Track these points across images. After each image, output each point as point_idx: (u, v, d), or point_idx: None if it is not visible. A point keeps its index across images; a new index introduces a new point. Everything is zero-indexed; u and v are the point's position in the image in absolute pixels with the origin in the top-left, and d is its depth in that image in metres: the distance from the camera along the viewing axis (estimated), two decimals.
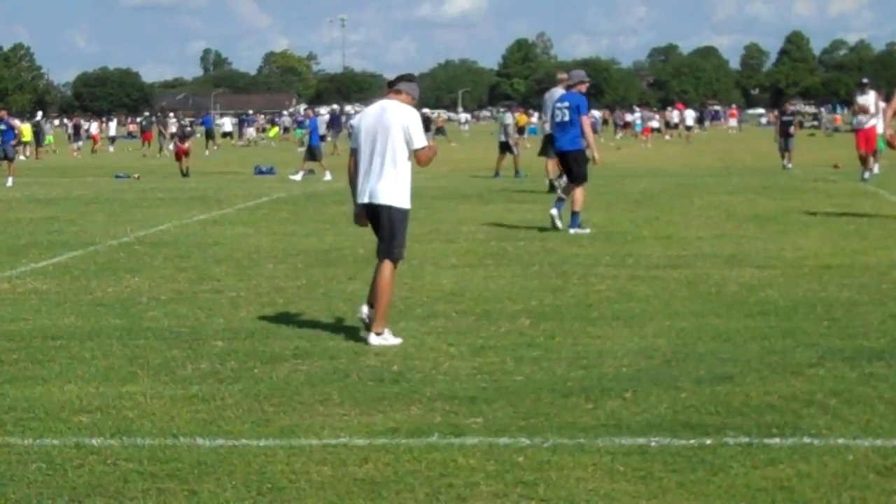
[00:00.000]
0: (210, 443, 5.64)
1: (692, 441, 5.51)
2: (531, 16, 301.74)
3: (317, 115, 58.61)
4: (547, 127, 21.37)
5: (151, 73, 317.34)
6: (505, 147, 28.81)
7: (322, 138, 50.19)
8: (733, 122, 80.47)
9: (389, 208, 8.07)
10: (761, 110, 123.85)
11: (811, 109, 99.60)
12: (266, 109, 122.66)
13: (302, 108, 75.06)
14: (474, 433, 5.73)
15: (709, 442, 5.49)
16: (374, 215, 8.17)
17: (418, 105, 8.43)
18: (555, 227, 14.78)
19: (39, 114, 66.66)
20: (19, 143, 35.63)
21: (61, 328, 8.71)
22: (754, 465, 5.16)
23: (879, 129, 24.96)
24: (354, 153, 8.27)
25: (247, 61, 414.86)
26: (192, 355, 7.68)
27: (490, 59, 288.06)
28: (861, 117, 24.82)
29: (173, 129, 45.81)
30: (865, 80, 26.17)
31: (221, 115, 77.68)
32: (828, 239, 13.59)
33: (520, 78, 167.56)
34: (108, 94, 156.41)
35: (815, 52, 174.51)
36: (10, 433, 5.89)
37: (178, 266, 12.12)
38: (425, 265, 11.59)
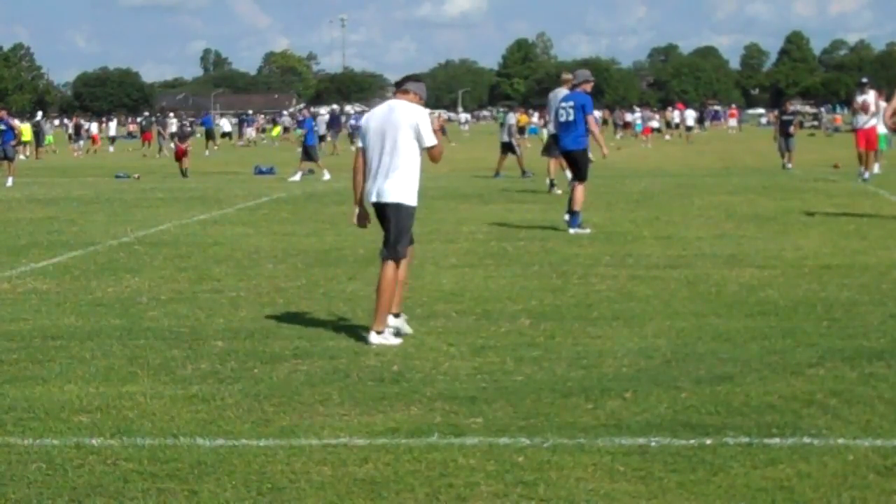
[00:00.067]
0: (210, 443, 5.64)
1: (692, 441, 5.51)
2: (531, 16, 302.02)
3: (314, 115, 58.66)
4: (551, 127, 21.37)
5: (151, 73, 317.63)
6: (507, 147, 28.78)
7: (322, 138, 50.34)
8: (733, 122, 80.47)
9: (398, 206, 8.09)
10: (761, 110, 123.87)
11: (811, 109, 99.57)
12: (266, 109, 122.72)
13: (300, 108, 75.07)
14: (474, 433, 5.73)
15: (709, 442, 5.49)
16: (382, 214, 8.19)
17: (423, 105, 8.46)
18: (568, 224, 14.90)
19: (39, 114, 66.64)
20: (19, 142, 35.63)
21: (61, 328, 8.71)
22: (754, 465, 5.16)
23: (881, 130, 25.01)
24: (362, 153, 8.28)
25: (247, 61, 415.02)
26: (192, 355, 7.68)
27: (490, 59, 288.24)
28: (861, 116, 24.83)
29: (173, 129, 45.81)
30: (865, 80, 26.18)
31: (221, 116, 77.68)
32: (828, 239, 13.59)
33: (520, 78, 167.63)
34: (108, 94, 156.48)
35: (815, 52, 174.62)
36: (10, 433, 5.89)
37: (178, 266, 12.12)
38: (425, 265, 11.59)
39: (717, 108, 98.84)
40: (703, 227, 15.16)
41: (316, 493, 4.92)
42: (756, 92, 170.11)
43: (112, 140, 62.47)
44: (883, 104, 24.52)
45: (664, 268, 11.42)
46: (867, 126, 24.58)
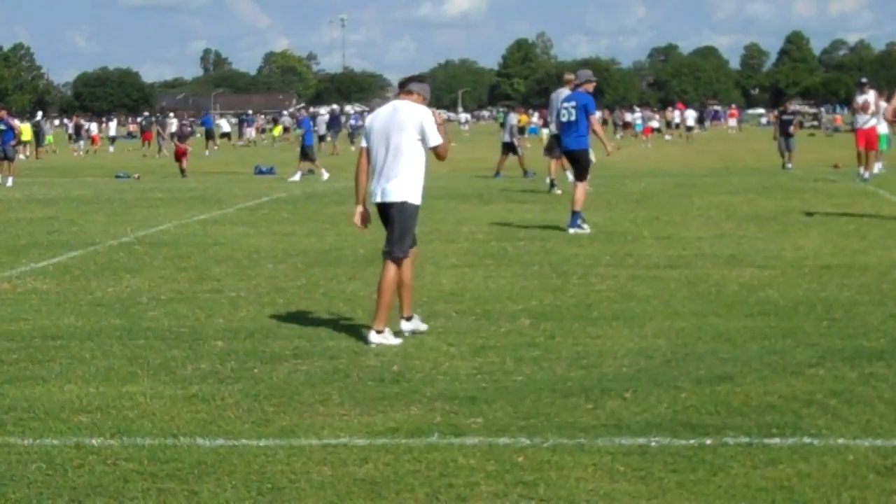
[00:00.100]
0: (210, 443, 5.64)
1: (692, 441, 5.51)
2: (531, 16, 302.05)
3: (314, 115, 58.64)
4: (552, 127, 21.38)
5: (151, 73, 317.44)
6: (509, 147, 28.78)
7: (322, 138, 50.38)
8: (733, 122, 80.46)
9: (403, 204, 8.10)
10: (761, 110, 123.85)
11: (809, 109, 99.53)
12: (266, 109, 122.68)
13: (299, 108, 75.12)
14: (474, 433, 5.73)
15: (709, 442, 5.49)
16: (385, 214, 8.20)
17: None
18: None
19: (39, 114, 66.63)
20: (19, 142, 35.62)
21: (61, 328, 8.71)
22: (754, 465, 5.16)
23: (883, 129, 25.02)
24: (367, 153, 8.29)
25: (247, 61, 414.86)
26: (192, 355, 7.68)
27: (490, 59, 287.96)
28: (861, 116, 24.83)
29: (173, 128, 45.80)
30: (864, 80, 26.18)
31: (221, 116, 77.66)
32: (828, 239, 13.59)
33: (520, 78, 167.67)
34: (108, 94, 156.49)
35: (815, 52, 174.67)
36: (10, 433, 5.89)
37: (178, 266, 12.12)
38: (425, 265, 11.58)
39: (717, 108, 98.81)
40: (703, 227, 15.16)
41: (316, 493, 4.92)
42: (756, 92, 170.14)
43: (112, 140, 62.46)
44: (883, 104, 24.54)
45: (664, 268, 11.42)
46: (867, 126, 24.58)
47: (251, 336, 8.28)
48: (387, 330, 8.00)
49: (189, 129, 40.22)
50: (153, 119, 59.41)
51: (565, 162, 19.48)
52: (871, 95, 25.00)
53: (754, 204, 18.60)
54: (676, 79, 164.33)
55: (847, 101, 76.38)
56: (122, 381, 7.00)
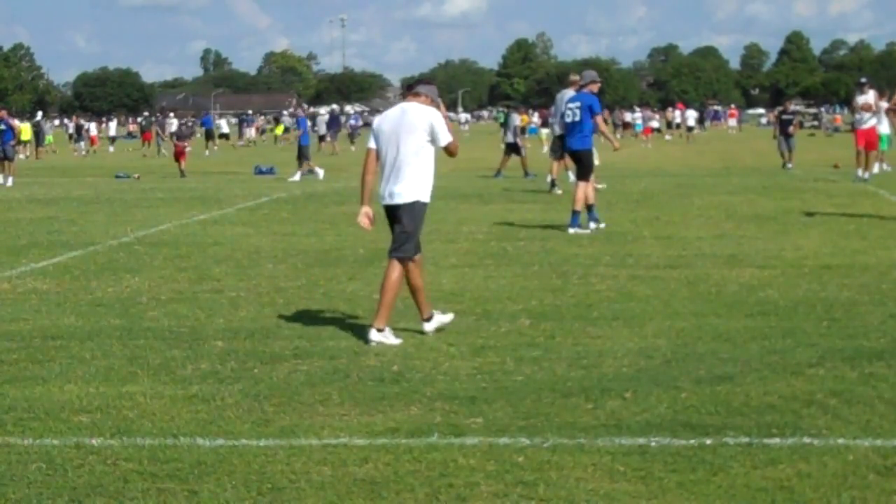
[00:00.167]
0: (210, 443, 5.64)
1: (692, 441, 5.51)
2: (531, 16, 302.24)
3: (313, 115, 58.58)
4: (556, 128, 21.39)
5: (151, 73, 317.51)
6: (512, 148, 28.84)
7: (322, 138, 50.37)
8: (733, 122, 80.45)
9: (413, 204, 8.14)
10: (761, 110, 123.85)
11: (811, 110, 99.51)
12: (266, 109, 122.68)
13: (300, 107, 75.08)
14: (474, 433, 5.73)
15: (709, 442, 5.49)
16: (393, 216, 8.23)
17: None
18: (595, 222, 15.09)
19: (39, 114, 66.63)
20: (18, 142, 35.62)
21: (61, 328, 8.71)
22: (754, 465, 5.16)
23: (884, 130, 25.01)
24: (376, 154, 8.31)
25: (247, 61, 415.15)
26: (192, 355, 7.68)
27: (490, 59, 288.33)
28: (861, 115, 24.82)
29: (173, 128, 45.82)
30: (864, 80, 26.18)
31: (220, 116, 77.61)
32: (828, 239, 13.59)
33: (520, 78, 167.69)
34: (108, 94, 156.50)
35: (815, 52, 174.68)
36: (10, 433, 5.89)
37: (178, 266, 12.12)
38: (425, 265, 11.50)
39: (718, 108, 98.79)
40: (703, 227, 15.17)
41: (316, 493, 4.92)
42: (756, 92, 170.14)
43: (112, 140, 62.46)
44: (883, 104, 24.56)
45: (664, 268, 11.42)
46: (867, 126, 24.58)
47: (251, 336, 8.28)
48: (387, 329, 8.01)
49: (189, 128, 40.25)
50: (153, 119, 59.35)
51: (568, 162, 19.56)
52: (870, 96, 25.00)
53: (754, 204, 18.60)
54: (676, 79, 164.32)
55: (847, 101, 76.37)
56: (122, 381, 7.00)
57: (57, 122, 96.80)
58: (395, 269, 8.13)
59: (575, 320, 8.72)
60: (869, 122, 24.61)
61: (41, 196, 23.48)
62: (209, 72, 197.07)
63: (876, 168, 25.75)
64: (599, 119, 15.39)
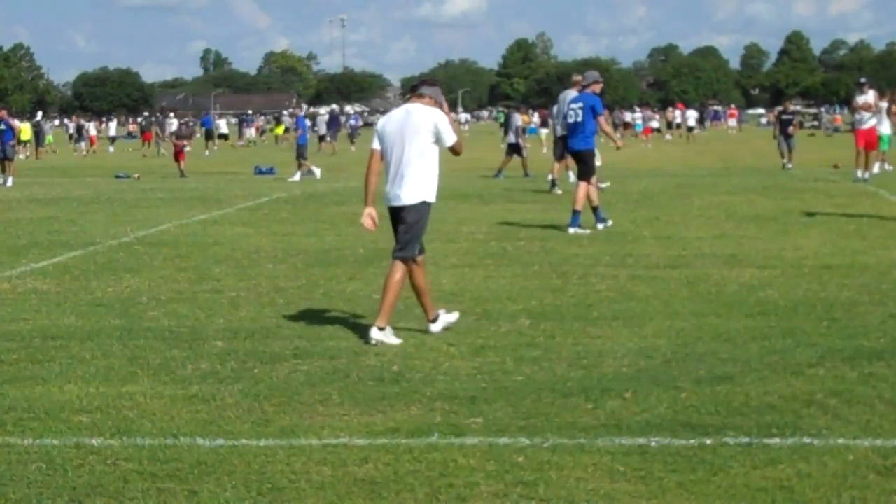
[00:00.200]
0: (210, 443, 5.64)
1: (692, 441, 5.51)
2: (531, 16, 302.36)
3: (313, 115, 58.55)
4: (559, 128, 21.38)
5: (151, 73, 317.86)
6: (514, 149, 28.90)
7: (322, 138, 50.36)
8: (733, 122, 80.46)
9: (419, 205, 8.17)
10: (761, 110, 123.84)
11: (811, 110, 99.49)
12: (266, 109, 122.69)
13: (302, 108, 75.05)
14: (474, 433, 5.73)
15: (709, 442, 5.49)
16: (397, 217, 8.25)
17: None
18: (603, 222, 15.16)
19: (39, 114, 66.65)
20: (18, 142, 35.61)
21: (61, 328, 8.71)
22: (754, 465, 5.16)
23: (885, 130, 25.00)
24: (382, 156, 8.33)
25: (247, 61, 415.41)
26: (192, 355, 7.68)
27: (490, 59, 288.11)
28: (861, 115, 24.82)
29: (173, 128, 45.86)
30: (863, 80, 26.19)
31: (220, 116, 77.59)
32: (828, 239, 13.59)
33: (520, 78, 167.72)
34: (108, 94, 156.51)
35: (815, 52, 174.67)
36: (10, 433, 5.89)
37: (178, 266, 12.12)
38: (425, 265, 11.57)
39: (718, 108, 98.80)
40: (703, 227, 15.17)
41: (316, 493, 4.92)
42: (756, 92, 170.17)
43: (112, 140, 62.46)
44: (884, 104, 24.57)
45: (664, 268, 11.42)
46: (867, 127, 24.58)
47: (251, 336, 8.28)
48: (389, 329, 8.01)
49: (189, 128, 40.25)
50: (153, 119, 59.37)
51: (570, 162, 19.59)
52: (870, 96, 25.01)
53: (754, 204, 18.60)
54: (676, 79, 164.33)
55: (847, 101, 76.32)
56: (122, 381, 7.00)
57: (57, 122, 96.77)
58: (399, 270, 8.15)
59: (575, 320, 8.72)
60: (869, 122, 24.61)
61: (41, 196, 23.48)
62: (209, 72, 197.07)
63: (876, 168, 25.75)
64: (602, 119, 15.43)
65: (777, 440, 5.52)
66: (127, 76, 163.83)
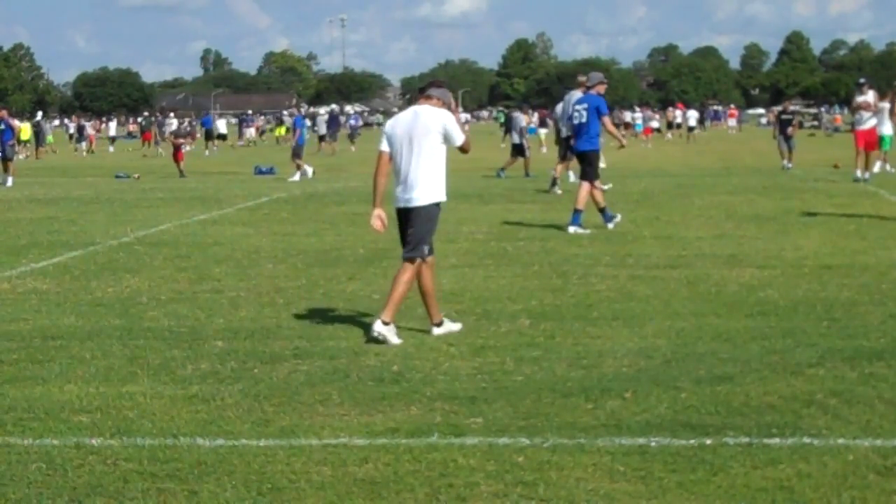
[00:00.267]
0: (210, 443, 5.64)
1: (692, 441, 5.51)
2: (531, 16, 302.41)
3: (313, 115, 58.48)
4: (564, 130, 21.37)
5: (151, 73, 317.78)
6: (518, 149, 28.98)
7: (322, 138, 50.33)
8: (732, 122, 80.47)
9: (429, 206, 8.23)
10: (761, 110, 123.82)
11: (811, 110, 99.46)
12: (266, 109, 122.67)
13: (301, 107, 75.04)
14: (474, 433, 5.73)
15: (709, 442, 5.49)
16: (406, 219, 8.29)
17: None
18: (611, 221, 15.21)
19: (39, 114, 66.64)
20: (18, 141, 35.60)
21: (61, 328, 8.71)
22: (754, 465, 5.16)
23: (887, 131, 25.00)
24: (390, 158, 8.37)
25: (247, 61, 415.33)
26: (192, 355, 7.68)
27: (490, 59, 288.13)
28: (860, 115, 24.82)
29: (173, 128, 45.88)
30: (862, 80, 26.20)
31: (220, 116, 77.61)
32: (828, 239, 13.59)
33: (520, 78, 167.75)
34: (108, 94, 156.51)
35: (815, 52, 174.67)
36: (10, 433, 5.89)
37: (178, 266, 12.12)
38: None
39: (718, 108, 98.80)
40: (703, 227, 15.17)
41: (316, 493, 4.92)
42: (756, 92, 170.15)
43: (112, 140, 62.47)
44: (885, 105, 24.57)
45: (664, 268, 11.42)
46: (867, 127, 24.58)
47: (251, 336, 8.28)
48: (393, 325, 8.02)
49: (189, 127, 40.27)
50: (153, 119, 59.37)
51: (573, 163, 19.64)
52: (870, 96, 25.02)
53: (754, 204, 18.60)
54: (676, 79, 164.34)
55: (847, 101, 76.30)
56: (122, 381, 7.00)
57: (57, 122, 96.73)
58: (408, 270, 8.19)
59: (575, 320, 8.72)
60: (868, 122, 24.61)
61: (41, 196, 23.48)
62: (209, 72, 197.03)
63: (877, 167, 25.74)
64: (606, 119, 15.46)
65: (777, 440, 5.52)
66: (127, 76, 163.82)
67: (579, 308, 9.26)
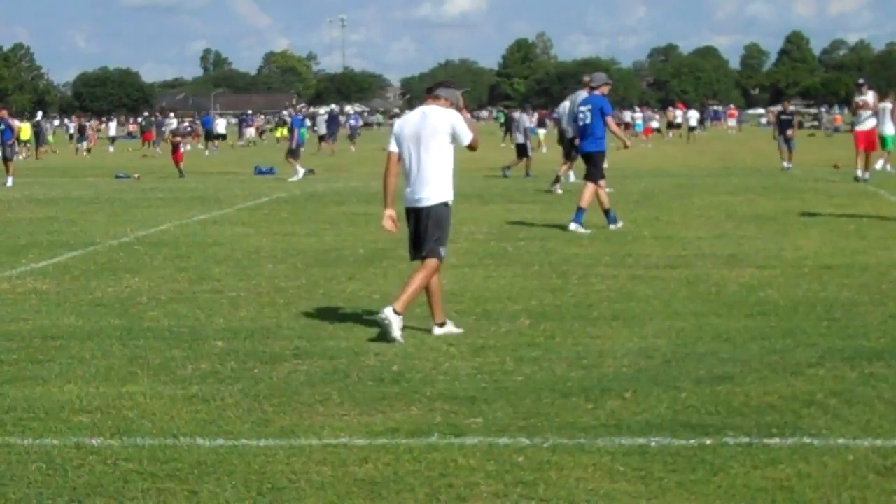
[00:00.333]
0: (210, 443, 5.64)
1: (692, 441, 5.51)
2: (531, 16, 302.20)
3: (312, 115, 58.49)
4: (570, 130, 21.35)
5: (151, 73, 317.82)
6: (522, 149, 29.05)
7: (322, 139, 50.35)
8: (732, 122, 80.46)
9: (439, 207, 8.27)
10: (761, 110, 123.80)
11: (812, 110, 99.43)
12: (266, 109, 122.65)
13: (300, 107, 74.96)
14: (474, 433, 5.73)
15: (709, 442, 5.49)
16: (417, 218, 8.31)
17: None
18: (614, 223, 15.19)
19: (39, 114, 66.64)
20: (17, 141, 35.59)
21: (61, 328, 8.71)
22: (754, 465, 5.16)
23: (889, 131, 25.01)
24: (396, 158, 8.41)
25: (247, 61, 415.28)
26: (192, 355, 7.68)
27: (490, 59, 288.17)
28: (860, 115, 24.82)
29: (172, 127, 45.90)
30: (861, 81, 26.23)
31: (220, 116, 77.62)
32: (828, 239, 13.60)
33: (520, 78, 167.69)
34: (108, 94, 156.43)
35: (815, 52, 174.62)
36: (10, 433, 5.89)
37: (178, 266, 12.12)
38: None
39: (718, 108, 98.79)
40: (703, 227, 15.17)
41: (316, 493, 4.92)
42: (756, 92, 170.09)
43: (112, 140, 62.48)
44: (887, 105, 24.58)
45: (664, 268, 11.43)
46: (867, 128, 24.58)
47: (251, 336, 8.28)
48: (401, 320, 8.03)
49: (189, 128, 40.28)
50: (153, 119, 59.40)
51: (577, 164, 19.68)
52: (869, 96, 25.03)
53: (754, 204, 18.61)
54: (676, 79, 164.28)
55: (847, 101, 76.28)
56: (122, 381, 7.00)
57: (57, 122, 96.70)
58: (430, 266, 8.26)
59: (575, 320, 8.73)
60: (868, 122, 24.61)
61: (41, 196, 23.48)
62: (209, 72, 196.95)
63: (879, 164, 25.72)
64: (610, 119, 15.47)
65: (777, 440, 5.52)
66: (127, 76, 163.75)
67: (579, 308, 9.27)
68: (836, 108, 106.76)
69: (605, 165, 16.18)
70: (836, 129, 68.66)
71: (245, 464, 5.31)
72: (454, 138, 8.31)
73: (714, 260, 11.94)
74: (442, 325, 8.34)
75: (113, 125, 68.16)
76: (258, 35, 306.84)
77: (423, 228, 8.29)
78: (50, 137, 54.66)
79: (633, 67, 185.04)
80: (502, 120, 69.49)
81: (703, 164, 34.75)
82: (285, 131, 61.33)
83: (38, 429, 5.95)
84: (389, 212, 8.44)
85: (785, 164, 29.74)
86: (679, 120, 65.92)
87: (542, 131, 45.99)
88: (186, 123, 57.46)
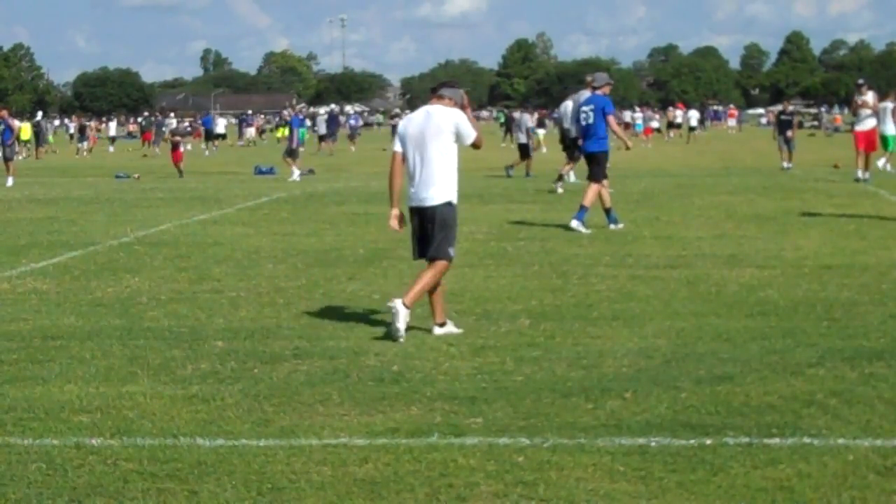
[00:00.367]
0: (210, 443, 5.64)
1: (692, 441, 5.51)
2: (531, 16, 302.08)
3: (311, 115, 58.51)
4: (573, 130, 21.35)
5: (151, 73, 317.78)
6: (524, 149, 29.12)
7: (322, 139, 50.36)
8: (732, 122, 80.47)
9: (445, 206, 8.30)
10: (761, 110, 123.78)
11: (812, 110, 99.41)
12: (266, 109, 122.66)
13: (300, 107, 74.90)
14: (474, 433, 5.73)
15: (709, 442, 5.49)
16: (423, 218, 8.33)
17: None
18: (615, 223, 15.21)
19: (39, 114, 66.63)
20: (17, 141, 35.59)
21: (61, 328, 8.71)
22: (754, 465, 5.16)
23: (891, 131, 25.01)
24: (403, 158, 8.45)
25: (247, 61, 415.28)
26: (192, 355, 7.68)
27: (490, 59, 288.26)
28: (862, 112, 24.81)
29: (171, 127, 45.91)
30: (861, 81, 26.23)
31: (220, 116, 77.63)
32: (828, 239, 13.59)
33: (520, 78, 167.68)
34: (108, 94, 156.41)
35: (815, 52, 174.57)
36: (10, 433, 5.89)
37: (178, 266, 12.12)
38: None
39: (718, 108, 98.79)
40: (703, 227, 15.17)
41: (316, 493, 4.92)
42: (756, 92, 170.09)
43: (112, 140, 62.47)
44: (888, 105, 24.57)
45: (664, 268, 11.42)
46: (867, 127, 24.58)
47: (251, 336, 8.28)
48: (409, 313, 8.06)
49: (189, 127, 40.29)
50: (153, 119, 59.39)
51: (581, 165, 19.67)
52: (869, 96, 25.03)
53: (754, 204, 18.61)
54: (676, 79, 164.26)
55: (847, 101, 76.28)
56: (122, 381, 7.00)
57: (57, 122, 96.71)
58: (440, 266, 8.31)
59: (575, 320, 8.73)
60: (868, 122, 24.60)
61: (41, 196, 23.48)
62: (209, 72, 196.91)
63: (881, 163, 25.73)
64: (611, 119, 15.48)
65: (777, 440, 5.52)
66: (127, 76, 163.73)
67: (579, 308, 9.27)
68: (836, 109, 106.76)
69: (608, 165, 16.18)
70: (836, 130, 68.67)
71: (245, 464, 5.31)
72: (458, 137, 8.34)
73: (714, 260, 11.94)
74: (442, 324, 8.35)
75: (113, 125, 68.14)
76: (258, 35, 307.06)
77: (429, 229, 8.32)
78: (50, 137, 54.67)
79: (633, 67, 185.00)
80: (502, 120, 69.49)
81: (703, 164, 34.75)
82: (286, 132, 61.46)
83: (38, 429, 5.95)
84: (396, 212, 8.48)
85: (785, 164, 29.75)
86: (679, 120, 65.90)
87: (541, 131, 45.97)
88: (186, 123, 57.48)
